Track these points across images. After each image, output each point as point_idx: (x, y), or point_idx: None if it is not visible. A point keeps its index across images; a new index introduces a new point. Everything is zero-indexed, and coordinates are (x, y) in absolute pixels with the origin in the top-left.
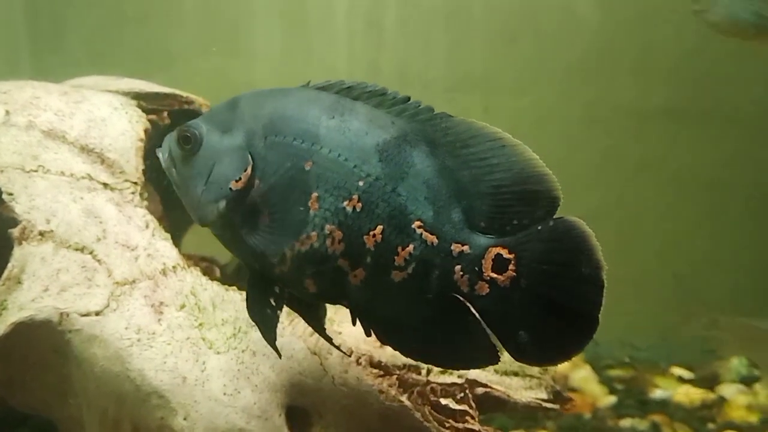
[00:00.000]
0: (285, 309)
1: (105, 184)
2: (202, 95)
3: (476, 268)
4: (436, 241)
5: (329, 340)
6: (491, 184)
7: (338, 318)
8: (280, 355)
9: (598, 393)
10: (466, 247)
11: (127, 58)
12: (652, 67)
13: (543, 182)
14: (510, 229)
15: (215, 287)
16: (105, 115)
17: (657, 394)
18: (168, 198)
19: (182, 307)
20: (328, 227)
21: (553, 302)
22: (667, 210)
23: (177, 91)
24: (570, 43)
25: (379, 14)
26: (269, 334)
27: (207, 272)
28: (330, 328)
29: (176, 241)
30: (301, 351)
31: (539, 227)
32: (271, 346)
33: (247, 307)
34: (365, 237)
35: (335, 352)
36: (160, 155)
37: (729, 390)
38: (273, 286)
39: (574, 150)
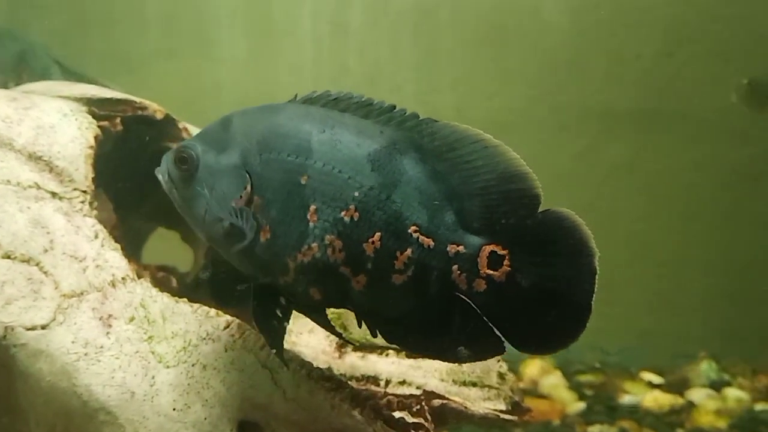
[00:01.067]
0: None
1: (53, 193)
2: (168, 98)
3: (473, 267)
4: (432, 243)
5: (340, 335)
6: (479, 186)
7: (296, 328)
8: (287, 366)
9: (568, 399)
10: (461, 248)
11: (91, 62)
12: (622, 71)
13: (525, 180)
14: (501, 226)
15: (165, 299)
16: (54, 121)
17: (626, 399)
18: (123, 206)
19: (131, 319)
20: (328, 237)
21: (548, 292)
22: (638, 213)
23: (131, 97)
24: (539, 46)
25: (345, 17)
26: (276, 345)
27: (163, 282)
28: (287, 338)
29: (136, 250)
30: (252, 365)
31: (528, 222)
32: (279, 356)
33: (254, 319)
34: (365, 245)
35: None
36: (159, 177)
37: (698, 395)
38: (278, 298)
39: (545, 153)
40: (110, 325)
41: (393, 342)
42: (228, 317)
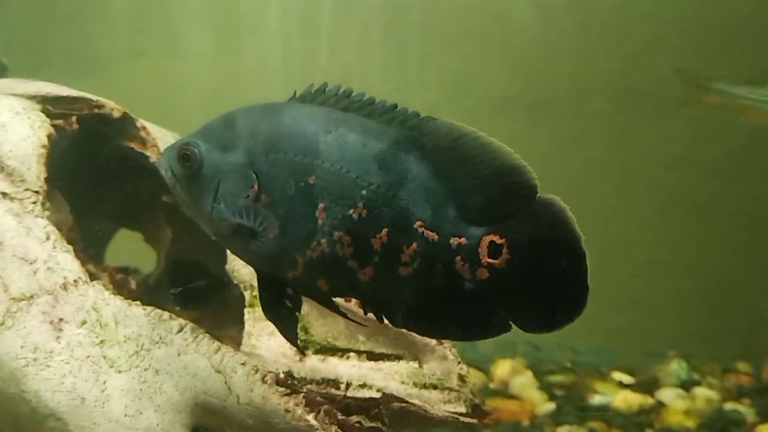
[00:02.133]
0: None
1: (3, 194)
2: (136, 97)
3: (474, 257)
4: (436, 237)
5: (344, 315)
6: (478, 180)
7: (255, 331)
8: (303, 353)
9: (538, 400)
10: (463, 240)
11: (57, 60)
12: (593, 71)
13: (521, 173)
14: (500, 217)
15: (118, 302)
16: (5, 120)
17: (596, 399)
18: (81, 206)
19: (83, 323)
20: (336, 234)
21: (545, 275)
22: (611, 213)
23: (87, 95)
24: (510, 46)
25: (314, 15)
26: (289, 334)
27: (121, 284)
28: (247, 341)
29: (98, 251)
30: (206, 369)
31: (523, 211)
32: (293, 344)
33: (263, 309)
34: (372, 240)
35: (240, 370)
36: (162, 172)
37: (668, 395)
38: (286, 288)
39: (516, 152)
40: (61, 329)
41: (399, 326)
42: (181, 320)
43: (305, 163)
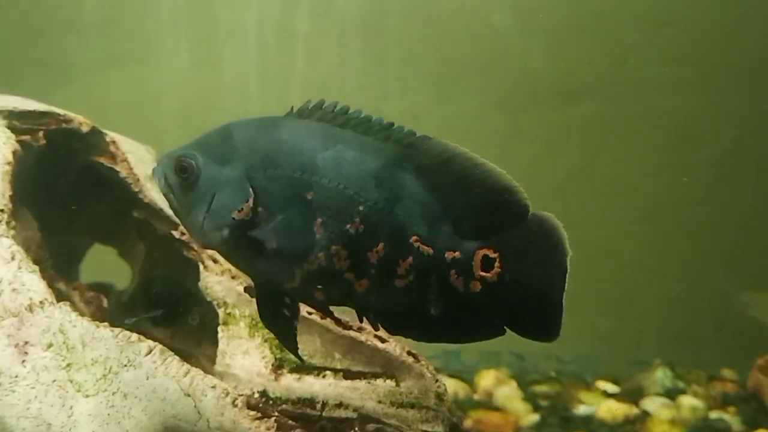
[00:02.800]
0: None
1: None
2: (111, 106)
3: (468, 270)
4: (431, 251)
5: (338, 320)
6: (472, 197)
7: (230, 350)
8: (302, 361)
9: (522, 411)
10: (457, 254)
11: (32, 71)
12: (575, 76)
13: (513, 192)
14: (491, 232)
15: (85, 324)
16: None
17: (581, 410)
18: (51, 222)
19: (49, 346)
20: (334, 248)
21: (532, 288)
22: (594, 218)
23: (54, 109)
24: (491, 52)
25: (291, 23)
26: (288, 342)
27: (92, 302)
28: (221, 360)
29: (70, 267)
30: (175, 393)
31: (515, 227)
32: (292, 352)
33: (261, 318)
34: (368, 253)
35: (210, 393)
36: (156, 179)
37: (653, 404)
38: (283, 298)
39: (500, 159)
40: (26, 353)
41: (394, 334)
42: (150, 343)
43: (304, 179)
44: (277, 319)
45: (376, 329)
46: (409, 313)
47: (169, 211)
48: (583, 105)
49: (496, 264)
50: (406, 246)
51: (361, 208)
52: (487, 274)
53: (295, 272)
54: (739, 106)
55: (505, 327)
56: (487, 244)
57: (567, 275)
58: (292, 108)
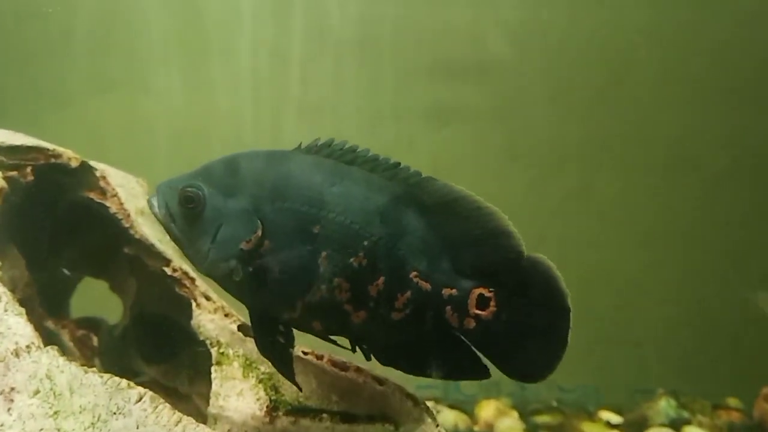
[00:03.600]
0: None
1: None
2: (104, 132)
3: (463, 307)
4: (429, 287)
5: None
6: (472, 238)
7: (223, 392)
8: (300, 389)
9: None
10: (454, 291)
11: (23, 97)
12: (571, 98)
13: (510, 237)
14: (488, 272)
15: (73, 369)
16: None
17: None
18: (39, 259)
19: (36, 393)
20: (336, 280)
21: (529, 328)
22: (592, 241)
23: (43, 144)
24: (486, 76)
25: (285, 47)
26: (285, 369)
27: (82, 341)
28: (214, 402)
29: (61, 303)
30: None
31: (512, 266)
32: (290, 380)
33: (257, 346)
34: (369, 286)
35: None
36: (155, 210)
37: None
38: (278, 326)
39: (496, 183)
40: (12, 400)
41: (386, 365)
42: (140, 389)
43: (311, 213)
44: (275, 347)
45: (368, 359)
46: (402, 345)
47: (161, 247)
48: (579, 126)
49: (492, 303)
50: (405, 281)
51: (365, 242)
52: (482, 312)
53: (296, 303)
54: (736, 126)
55: (488, 370)
56: (484, 283)
57: (570, 314)
58: (300, 144)
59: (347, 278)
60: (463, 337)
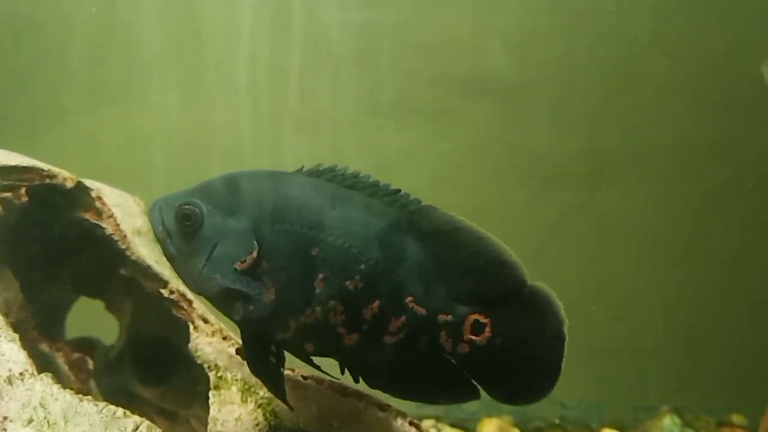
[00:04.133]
0: None
1: None
2: (101, 146)
3: (458, 333)
4: (425, 312)
5: (317, 366)
6: (470, 266)
7: (222, 417)
8: (291, 408)
9: None
10: (449, 317)
11: (18, 113)
12: (572, 109)
13: (514, 268)
14: (486, 299)
15: (68, 397)
16: None
17: None
18: (34, 280)
19: (29, 422)
20: (332, 303)
21: (523, 356)
22: (592, 253)
23: (38, 164)
24: (486, 87)
25: (282, 61)
26: (276, 388)
27: (77, 365)
28: (212, 428)
29: (56, 324)
30: None
31: (510, 296)
32: (282, 400)
33: (249, 366)
34: (364, 310)
35: None
36: (152, 225)
37: None
38: (270, 346)
39: (497, 194)
40: (5, 429)
41: (374, 387)
42: (137, 418)
43: (311, 236)
44: (266, 366)
45: (357, 382)
46: (392, 369)
47: (157, 269)
48: (579, 137)
49: (487, 329)
50: (401, 305)
51: (362, 266)
52: (477, 338)
53: (290, 325)
54: (737, 136)
55: (479, 391)
56: (480, 310)
57: (565, 344)
58: (302, 167)
59: (342, 301)
60: (454, 361)
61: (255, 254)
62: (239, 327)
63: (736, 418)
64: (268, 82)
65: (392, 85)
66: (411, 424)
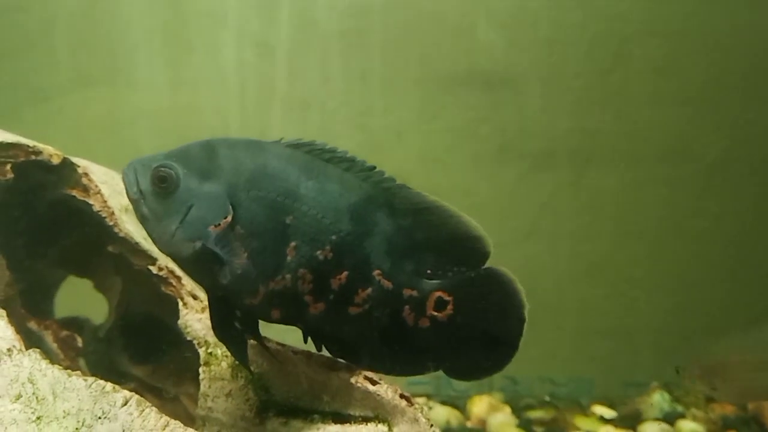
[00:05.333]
0: None
1: None
2: (86, 126)
3: (421, 308)
4: (391, 286)
5: (266, 347)
6: (438, 243)
7: (212, 392)
8: (251, 373)
9: None
10: (414, 292)
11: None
12: (561, 89)
13: (479, 242)
14: (451, 274)
15: (56, 373)
16: None
17: None
18: (21, 258)
19: (18, 397)
20: (301, 271)
21: (483, 332)
22: (583, 233)
23: (23, 140)
24: (476, 67)
25: (270, 39)
26: (239, 354)
27: (66, 342)
28: (203, 403)
29: (44, 301)
30: None
31: (473, 274)
32: (244, 366)
33: (213, 330)
34: (331, 279)
35: None
36: (126, 186)
37: (651, 429)
38: (236, 311)
39: (487, 175)
40: None
41: (337, 356)
42: (126, 393)
43: (285, 204)
44: (230, 331)
45: (319, 350)
46: (354, 339)
47: (146, 246)
48: (570, 118)
49: (449, 306)
50: (368, 278)
51: (333, 237)
52: (439, 314)
53: (259, 290)
54: (729, 117)
55: (428, 366)
56: (444, 287)
57: (525, 324)
58: (281, 139)
59: (312, 270)
60: (412, 335)
61: (230, 218)
62: (206, 291)
63: None
64: (255, 62)
65: (381, 65)
66: (402, 396)
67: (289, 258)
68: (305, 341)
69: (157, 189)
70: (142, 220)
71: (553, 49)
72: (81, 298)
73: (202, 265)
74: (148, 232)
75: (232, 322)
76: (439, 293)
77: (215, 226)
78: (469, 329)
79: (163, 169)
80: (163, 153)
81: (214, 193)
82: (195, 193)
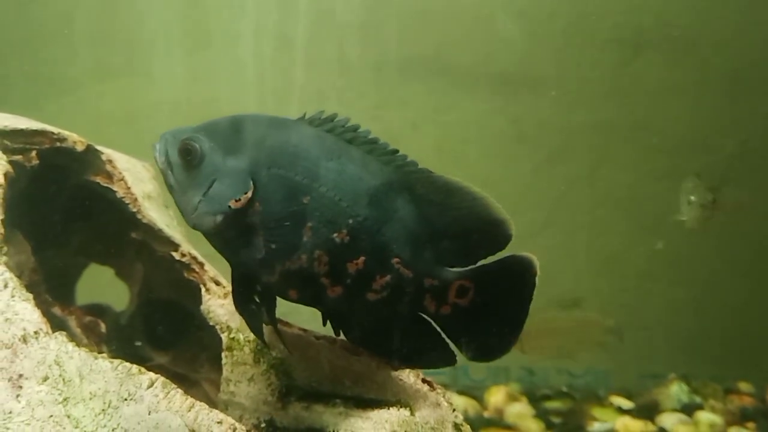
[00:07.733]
0: None
1: None
2: (105, 118)
3: (443, 296)
4: (410, 275)
5: (278, 332)
6: (461, 229)
7: (234, 377)
8: (266, 345)
9: (534, 429)
10: (435, 281)
11: (19, 84)
12: (579, 81)
13: (502, 225)
14: (473, 262)
15: (83, 355)
16: None
17: (595, 427)
18: (45, 244)
19: (45, 379)
20: (317, 252)
21: (498, 316)
22: (599, 225)
23: (48, 128)
24: (492, 58)
25: (289, 31)
26: (255, 328)
27: (89, 328)
28: (225, 388)
29: (67, 289)
30: (179, 428)
31: (496, 263)
32: (259, 338)
33: (234, 303)
34: (348, 264)
35: (216, 429)
36: (156, 155)
37: (669, 420)
38: (256, 287)
39: (503, 167)
40: (21, 387)
41: (354, 342)
42: (152, 375)
43: (304, 184)
44: (248, 304)
45: (337, 335)
46: (372, 325)
47: (169, 232)
48: (586, 111)
49: (471, 293)
50: (386, 265)
51: (350, 221)
52: (461, 301)
53: (275, 268)
54: (747, 109)
55: (455, 356)
56: (466, 276)
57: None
58: (304, 114)
59: (328, 252)
60: (432, 321)
61: (249, 194)
62: (230, 264)
63: (744, 386)
64: (273, 53)
65: (398, 56)
66: (424, 381)
67: (305, 238)
68: (324, 324)
69: (183, 161)
70: (170, 190)
71: (569, 41)
72: (99, 287)
73: (222, 239)
74: (175, 203)
75: (252, 296)
76: (460, 282)
77: (236, 201)
78: (487, 314)
79: (189, 142)
80: (194, 126)
81: (236, 169)
82: (219, 167)
